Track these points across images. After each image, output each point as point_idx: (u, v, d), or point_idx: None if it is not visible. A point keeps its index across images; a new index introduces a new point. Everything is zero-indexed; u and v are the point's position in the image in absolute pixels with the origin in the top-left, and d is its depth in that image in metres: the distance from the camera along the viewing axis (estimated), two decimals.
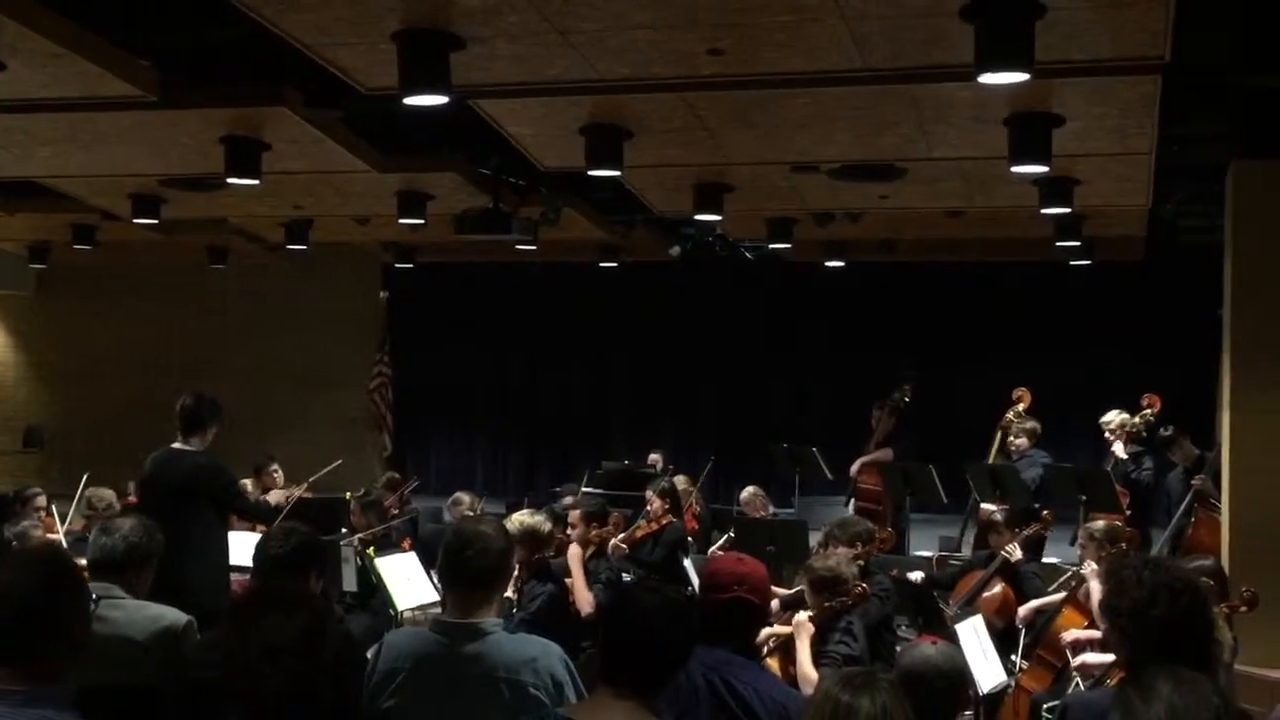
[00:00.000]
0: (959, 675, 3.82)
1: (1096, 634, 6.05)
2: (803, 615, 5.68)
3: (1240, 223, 8.20)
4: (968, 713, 6.63)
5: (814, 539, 8.26)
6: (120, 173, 9.41)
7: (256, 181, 8.46)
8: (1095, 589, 6.67)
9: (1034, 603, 7.36)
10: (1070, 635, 6.56)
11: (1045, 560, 9.13)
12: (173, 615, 4.21)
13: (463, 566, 3.79)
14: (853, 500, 11.32)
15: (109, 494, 8.54)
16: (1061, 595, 7.23)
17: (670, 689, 3.61)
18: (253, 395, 14.18)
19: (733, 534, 9.09)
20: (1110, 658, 5.50)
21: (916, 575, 8.13)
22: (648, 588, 3.44)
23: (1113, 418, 9.73)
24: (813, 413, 15.12)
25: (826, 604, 5.72)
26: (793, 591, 6.35)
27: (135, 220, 10.66)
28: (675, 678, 3.33)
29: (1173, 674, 2.57)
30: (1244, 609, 5.97)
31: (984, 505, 9.61)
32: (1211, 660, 3.51)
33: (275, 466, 10.98)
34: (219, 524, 6.62)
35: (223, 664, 2.64)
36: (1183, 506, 8.97)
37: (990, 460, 10.29)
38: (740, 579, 3.81)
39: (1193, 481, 8.95)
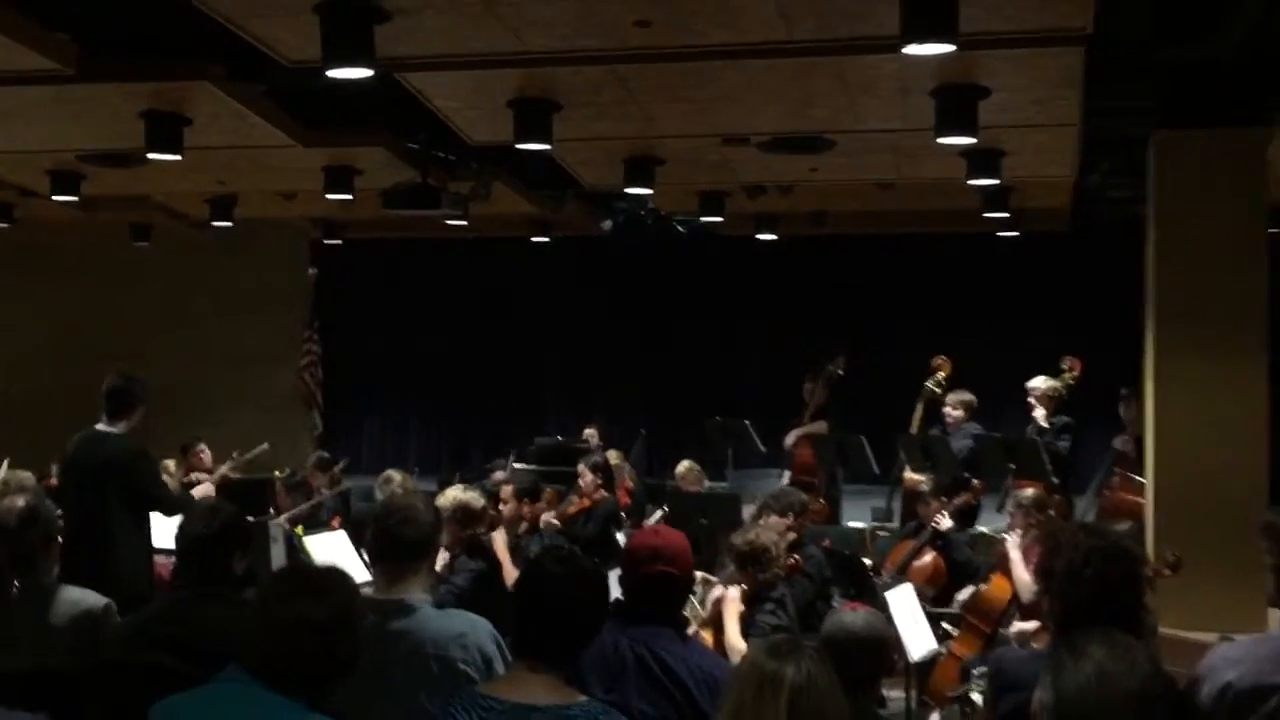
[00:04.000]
0: (878, 641, 3.85)
1: (1035, 625, 6.13)
2: (734, 590, 5.70)
3: (1162, 193, 8.30)
4: (898, 680, 6.72)
5: (748, 512, 8.29)
6: (37, 148, 9.20)
7: (178, 157, 8.31)
8: (1016, 559, 6.77)
9: (970, 589, 7.42)
10: (1015, 628, 6.63)
11: (977, 530, 9.23)
12: (91, 599, 4.13)
13: (390, 537, 3.79)
14: (787, 472, 11.36)
15: (28, 476, 8.30)
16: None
17: (598, 663, 3.61)
18: (180, 375, 13.95)
19: (666, 509, 9.10)
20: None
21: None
22: (556, 558, 3.38)
23: (1039, 383, 9.81)
24: (745, 386, 15.18)
25: (757, 578, 5.74)
26: (728, 572, 6.36)
27: (54, 197, 10.43)
28: (588, 647, 3.31)
29: (1105, 636, 2.58)
30: (1168, 572, 6.07)
31: (910, 475, 9.68)
32: (1141, 625, 3.55)
33: (202, 447, 10.82)
34: (134, 515, 6.47)
35: (251, 625, 2.87)
36: (1103, 469, 9.08)
37: (914, 430, 10.35)
38: (657, 552, 3.79)
39: (1113, 442, 9.05)
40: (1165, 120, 8.17)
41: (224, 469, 8.60)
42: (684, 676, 3.61)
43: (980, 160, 8.75)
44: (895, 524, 9.94)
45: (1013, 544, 6.92)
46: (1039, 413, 9.65)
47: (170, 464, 10.05)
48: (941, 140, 7.39)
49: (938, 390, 10.47)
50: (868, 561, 8.05)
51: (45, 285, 15.18)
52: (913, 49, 5.49)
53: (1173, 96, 7.97)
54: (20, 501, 4.16)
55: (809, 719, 2.71)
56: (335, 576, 2.99)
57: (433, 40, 6.29)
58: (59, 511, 4.68)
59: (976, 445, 9.66)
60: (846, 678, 2.99)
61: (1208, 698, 3.42)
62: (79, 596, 4.13)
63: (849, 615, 3.88)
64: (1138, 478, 8.79)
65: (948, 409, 10.16)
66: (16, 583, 3.96)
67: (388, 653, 3.64)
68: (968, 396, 10.17)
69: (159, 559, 6.71)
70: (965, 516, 8.46)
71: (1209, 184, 8.06)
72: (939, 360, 10.54)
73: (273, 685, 2.71)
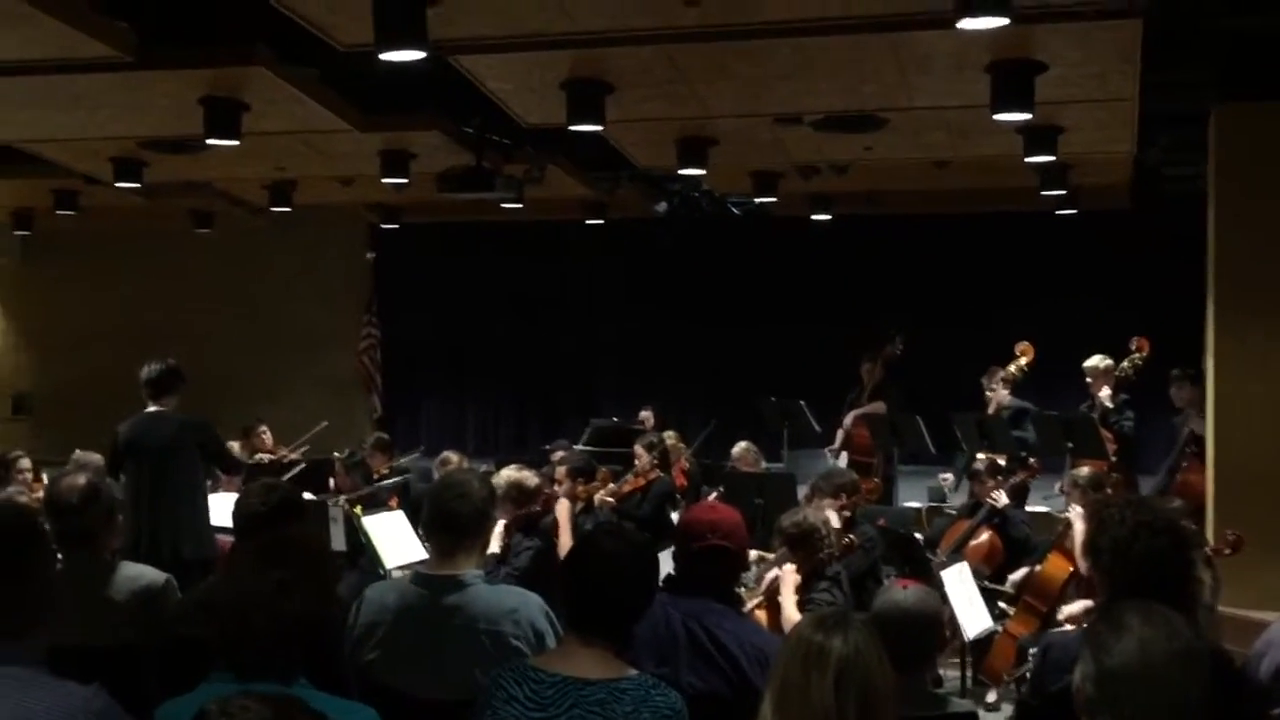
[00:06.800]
0: (930, 618, 3.80)
1: (1083, 605, 6.05)
2: (790, 566, 5.70)
3: (1223, 168, 8.19)
4: (954, 659, 6.71)
5: (803, 492, 8.28)
6: (100, 136, 9.33)
7: (237, 142, 8.41)
8: (1079, 531, 6.70)
9: (1023, 570, 7.36)
10: (1065, 611, 6.55)
11: (1031, 509, 9.16)
12: (151, 574, 4.20)
13: (444, 511, 3.83)
14: (844, 453, 11.34)
15: (96, 457, 8.43)
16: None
17: (650, 638, 3.63)
18: (241, 359, 14.15)
19: (722, 489, 9.11)
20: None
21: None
22: (608, 532, 3.41)
23: (1096, 362, 9.72)
24: (800, 366, 15.09)
25: (808, 558, 5.74)
26: (782, 552, 6.37)
27: (117, 184, 10.58)
28: (640, 621, 3.31)
29: (1142, 608, 2.56)
30: (1228, 552, 6.00)
31: (981, 458, 9.62)
32: (1190, 600, 3.52)
33: (264, 428, 10.95)
34: (202, 483, 6.70)
35: (209, 614, 2.84)
36: (1177, 447, 8.96)
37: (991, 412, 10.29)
38: (713, 526, 3.80)
39: (1190, 425, 8.93)
40: (1225, 94, 8.05)
41: (288, 452, 8.76)
42: (735, 651, 3.62)
43: (1037, 137, 8.64)
44: (956, 503, 9.88)
45: (1076, 515, 6.84)
46: (1104, 392, 9.56)
47: (235, 445, 10.16)
48: (998, 116, 7.31)
49: (1020, 376, 10.39)
50: (918, 536, 8.01)
51: (109, 272, 15.46)
52: (968, 23, 5.44)
53: (1233, 69, 7.83)
54: (81, 479, 4.23)
55: (856, 692, 2.68)
56: (280, 542, 2.95)
57: (485, 21, 6.32)
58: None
59: (1034, 425, 9.59)
60: (898, 654, 2.98)
61: (1265, 673, 3.40)
62: (138, 573, 4.19)
63: (900, 591, 3.84)
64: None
65: (989, 391, 10.13)
66: (60, 556, 3.98)
67: (441, 628, 3.68)
68: (1001, 373, 10.19)
69: (219, 537, 6.84)
70: (1017, 495, 8.40)
71: (1271, 159, 7.94)
72: (1023, 345, 10.48)
73: (250, 676, 2.67)
